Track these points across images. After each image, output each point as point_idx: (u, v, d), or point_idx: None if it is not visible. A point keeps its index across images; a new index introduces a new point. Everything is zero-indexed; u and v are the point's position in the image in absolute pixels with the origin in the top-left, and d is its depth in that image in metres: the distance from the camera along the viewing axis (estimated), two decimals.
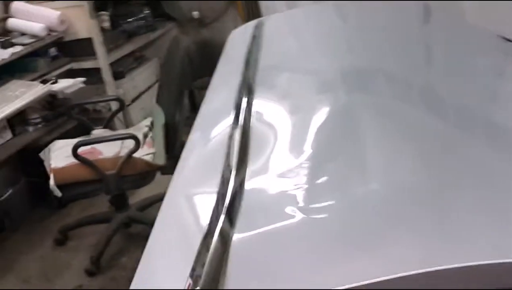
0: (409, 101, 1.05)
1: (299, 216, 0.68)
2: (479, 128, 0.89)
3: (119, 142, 2.57)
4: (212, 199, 0.76)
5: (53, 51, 3.16)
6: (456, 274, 0.55)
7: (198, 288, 0.59)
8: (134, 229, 2.75)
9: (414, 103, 1.03)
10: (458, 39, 1.48)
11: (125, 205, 2.69)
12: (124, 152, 2.43)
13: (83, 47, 3.20)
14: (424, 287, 0.56)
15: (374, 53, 1.32)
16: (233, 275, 0.62)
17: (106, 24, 3.32)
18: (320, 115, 0.96)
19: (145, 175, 2.48)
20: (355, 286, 0.55)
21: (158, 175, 2.54)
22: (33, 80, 2.91)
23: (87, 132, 2.75)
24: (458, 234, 0.59)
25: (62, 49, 3.23)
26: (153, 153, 2.52)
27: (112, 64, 3.29)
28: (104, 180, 2.40)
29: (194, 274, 0.62)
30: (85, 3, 3.10)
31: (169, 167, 2.43)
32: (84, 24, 3.15)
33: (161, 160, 2.44)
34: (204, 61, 2.73)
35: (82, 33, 3.18)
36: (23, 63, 3.00)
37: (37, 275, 2.57)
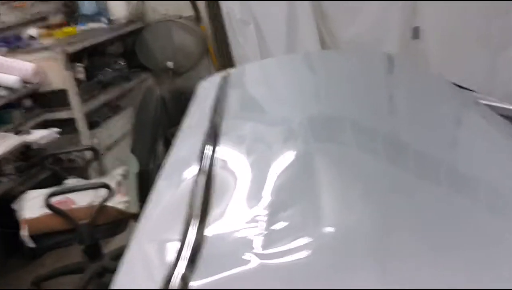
0: (368, 148, 1.09)
1: (255, 261, 0.71)
2: (434, 173, 0.93)
3: (92, 191, 2.58)
4: (174, 246, 0.79)
5: (27, 102, 3.19)
6: None
7: None
8: (108, 279, 2.70)
9: (373, 150, 1.07)
10: (417, 87, 1.56)
11: (98, 254, 2.67)
12: (97, 201, 2.43)
13: (57, 98, 3.23)
14: None
15: (338, 102, 1.38)
16: None
17: (81, 76, 3.37)
18: (280, 164, 1.00)
19: (119, 223, 2.48)
20: None
21: (132, 223, 2.54)
22: (7, 131, 2.92)
23: (61, 182, 2.75)
24: (400, 280, 0.63)
25: (36, 100, 3.25)
26: (127, 201, 2.53)
27: (87, 114, 3.32)
28: (77, 230, 2.39)
29: None
30: (59, 55, 3.15)
31: None
32: (59, 76, 3.19)
33: (134, 208, 2.44)
34: (179, 109, 2.78)
35: (57, 85, 3.22)
36: None
37: None
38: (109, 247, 2.90)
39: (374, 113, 1.28)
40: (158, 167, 2.55)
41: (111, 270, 2.60)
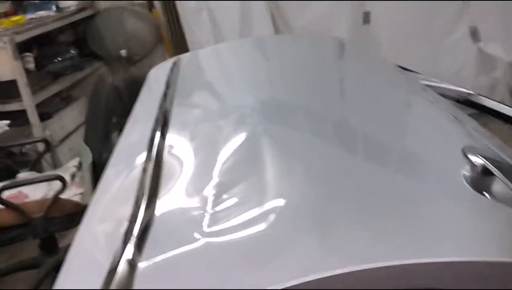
0: (315, 129, 1.12)
1: (202, 239, 0.73)
2: (376, 151, 0.96)
3: (45, 184, 2.53)
4: (122, 229, 0.80)
5: None
6: (336, 281, 0.61)
7: None
8: None
9: (319, 132, 1.10)
10: (365, 71, 1.59)
11: (55, 248, 2.63)
12: (51, 194, 2.39)
13: (6, 90, 3.14)
14: None
15: (288, 86, 1.40)
16: None
17: (31, 65, 3.28)
18: (229, 146, 1.01)
19: (74, 216, 2.44)
20: None
21: None
22: None
23: (13, 175, 2.69)
24: (336, 244, 0.66)
25: None
26: (82, 193, 2.50)
27: (38, 105, 3.24)
28: (31, 224, 2.34)
29: None
30: (7, 45, 3.06)
31: None
32: (7, 66, 3.10)
33: (89, 200, 2.41)
34: (133, 98, 2.75)
35: (6, 75, 3.12)
36: None
37: None
38: (65, 241, 2.86)
39: (323, 96, 1.31)
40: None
41: None
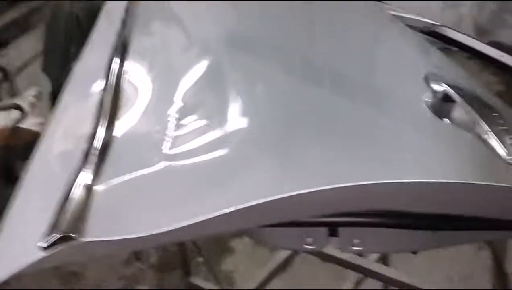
0: (278, 59, 1.10)
1: (162, 162, 0.72)
2: (337, 80, 0.96)
3: (3, 113, 2.45)
4: (79, 150, 0.78)
5: None
6: (294, 201, 0.61)
7: (56, 233, 0.60)
8: None
9: (282, 61, 1.08)
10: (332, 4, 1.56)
11: (15, 179, 2.58)
12: (10, 124, 2.32)
13: None
14: (266, 217, 0.62)
15: (253, 19, 1.36)
16: (94, 220, 0.64)
17: None
18: (191, 72, 0.99)
19: (33, 145, 2.39)
20: (204, 219, 0.59)
21: None
22: None
23: None
24: (296, 165, 0.66)
25: None
26: (42, 123, 2.43)
27: None
28: None
29: (55, 222, 0.64)
30: None
31: None
32: None
33: None
34: (93, 27, 2.65)
35: None
36: None
37: None
38: None
39: (287, 27, 1.28)
40: None
41: None
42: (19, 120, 2.27)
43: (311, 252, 1.84)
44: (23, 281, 1.88)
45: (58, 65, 2.36)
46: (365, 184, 0.62)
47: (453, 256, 2.11)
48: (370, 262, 1.66)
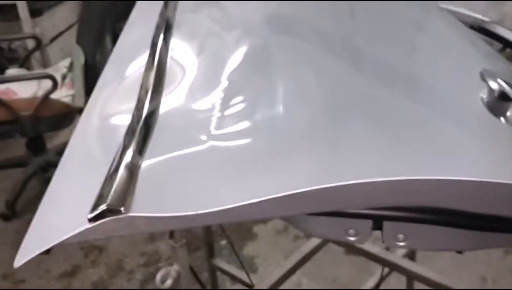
0: (325, 47, 1.08)
1: (208, 142, 0.70)
2: (387, 75, 0.93)
3: (35, 82, 2.47)
4: (123, 128, 0.77)
5: None
6: (343, 191, 0.59)
7: (104, 206, 0.60)
8: (52, 174, 2.67)
9: (329, 49, 1.06)
10: None
11: (42, 148, 2.61)
12: (41, 93, 2.34)
13: None
14: (312, 205, 0.60)
15: (303, 5, 1.34)
16: (141, 196, 0.63)
17: None
18: (236, 53, 0.97)
19: (63, 117, 2.41)
20: (251, 202, 0.58)
21: (78, 119, 2.48)
22: None
23: (1, 71, 2.62)
24: (347, 156, 0.64)
25: None
26: (72, 95, 2.45)
27: (29, 1, 3.10)
28: (19, 121, 2.31)
29: (102, 195, 0.63)
30: None
31: None
32: None
33: (80, 102, 2.37)
34: (128, 3, 2.65)
35: None
36: None
37: None
38: (53, 142, 2.84)
39: (332, 14, 1.25)
40: (106, 61, 2.48)
41: (56, 165, 2.58)
42: (51, 91, 2.28)
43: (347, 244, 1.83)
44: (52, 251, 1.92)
45: (93, 38, 2.36)
46: (417, 179, 0.60)
47: (479, 255, 2.08)
48: (398, 257, 1.64)
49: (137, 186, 0.64)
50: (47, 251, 0.66)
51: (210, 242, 1.74)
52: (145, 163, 0.69)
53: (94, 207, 0.61)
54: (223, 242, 2.17)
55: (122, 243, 2.25)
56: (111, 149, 0.72)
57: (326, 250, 1.79)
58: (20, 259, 0.63)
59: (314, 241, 1.71)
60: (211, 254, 1.74)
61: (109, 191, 0.63)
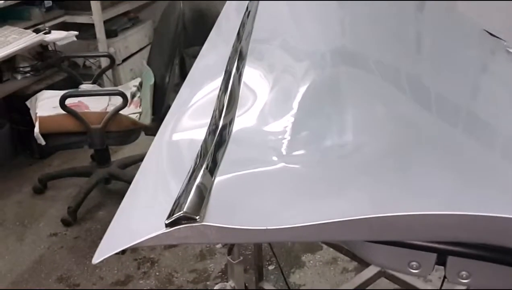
0: (390, 81, 1.11)
1: (279, 163, 0.75)
2: (452, 115, 0.95)
3: (106, 98, 2.61)
4: (199, 142, 0.82)
5: (48, 2, 3.16)
6: (412, 221, 0.62)
7: (180, 213, 0.64)
8: (114, 186, 2.80)
9: (395, 84, 1.09)
10: (447, 30, 1.55)
11: (107, 161, 2.73)
12: (111, 109, 2.47)
13: (78, 1, 3.21)
14: (376, 232, 0.63)
15: (365, 37, 1.38)
16: (213, 207, 0.68)
17: None
18: (306, 82, 1.02)
19: (130, 133, 2.53)
20: (318, 223, 0.62)
21: (142, 136, 2.59)
22: (25, 28, 2.91)
23: (75, 86, 2.77)
24: (417, 187, 0.66)
25: (57, 1, 3.22)
26: (139, 113, 2.57)
27: (106, 22, 3.29)
28: (89, 133, 2.44)
29: (179, 203, 0.68)
30: None
31: (154, 128, 2.48)
32: None
33: (146, 120, 2.48)
34: (198, 30, 2.76)
35: None
36: (17, 10, 3.01)
37: (13, 219, 2.61)
38: (117, 156, 2.97)
39: (399, 51, 1.28)
40: (174, 85, 2.58)
41: (118, 178, 2.70)
42: (121, 107, 2.40)
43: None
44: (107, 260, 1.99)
45: (164, 61, 2.48)
46: (484, 215, 0.61)
47: None
48: None
49: (211, 199, 0.69)
50: (123, 252, 0.72)
51: (260, 265, 1.77)
52: (219, 178, 0.74)
53: (171, 214, 0.67)
54: (271, 267, 2.19)
55: (174, 258, 2.31)
56: (188, 161, 0.78)
57: (374, 286, 1.79)
58: (98, 256, 0.69)
59: (364, 276, 1.71)
60: (260, 277, 1.77)
61: (185, 200, 0.69)
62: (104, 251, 0.69)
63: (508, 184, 0.70)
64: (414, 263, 0.75)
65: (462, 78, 1.12)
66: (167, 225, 0.66)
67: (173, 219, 0.66)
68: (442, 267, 0.74)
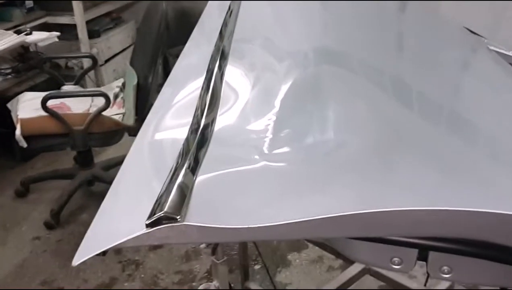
0: (374, 79, 1.11)
1: (262, 161, 0.74)
2: (435, 113, 0.95)
3: (88, 99, 2.59)
4: (181, 141, 0.81)
5: (29, 2, 3.13)
6: (394, 216, 0.62)
7: (161, 213, 0.64)
8: (97, 188, 2.78)
9: (377, 82, 1.09)
10: (428, 28, 1.56)
11: (90, 162, 2.71)
12: (93, 110, 2.44)
13: (59, 2, 3.17)
14: (360, 229, 0.63)
15: (348, 36, 1.38)
16: (195, 207, 0.67)
17: None
18: (288, 81, 1.01)
19: (113, 134, 2.51)
20: (300, 221, 0.61)
21: (126, 137, 2.57)
22: (6, 29, 2.87)
23: (58, 87, 2.74)
24: (400, 183, 0.67)
25: (38, 2, 3.19)
26: (123, 114, 2.54)
27: (88, 22, 3.27)
28: (71, 135, 2.41)
29: (160, 203, 0.67)
30: None
31: (137, 128, 2.45)
32: None
33: (130, 121, 2.46)
34: (181, 30, 2.75)
35: None
36: None
37: None
38: (100, 158, 2.94)
39: (381, 50, 1.28)
40: (157, 86, 2.56)
41: (101, 179, 2.68)
42: (104, 108, 2.38)
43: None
44: (91, 262, 1.97)
45: (146, 61, 2.46)
46: (466, 210, 0.61)
47: None
48: None
49: (193, 198, 0.69)
50: (104, 253, 0.71)
51: (246, 265, 1.77)
52: (200, 177, 0.73)
53: (152, 214, 0.66)
54: (257, 267, 2.19)
55: (159, 259, 2.30)
56: (170, 161, 0.77)
57: (359, 285, 1.79)
58: (78, 258, 0.68)
59: (349, 273, 1.72)
60: (246, 277, 1.77)
61: (167, 200, 0.68)
62: (84, 252, 0.68)
63: (489, 179, 0.70)
64: (396, 259, 0.75)
65: (444, 76, 1.13)
66: (147, 225, 0.65)
67: (153, 219, 0.65)
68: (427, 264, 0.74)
